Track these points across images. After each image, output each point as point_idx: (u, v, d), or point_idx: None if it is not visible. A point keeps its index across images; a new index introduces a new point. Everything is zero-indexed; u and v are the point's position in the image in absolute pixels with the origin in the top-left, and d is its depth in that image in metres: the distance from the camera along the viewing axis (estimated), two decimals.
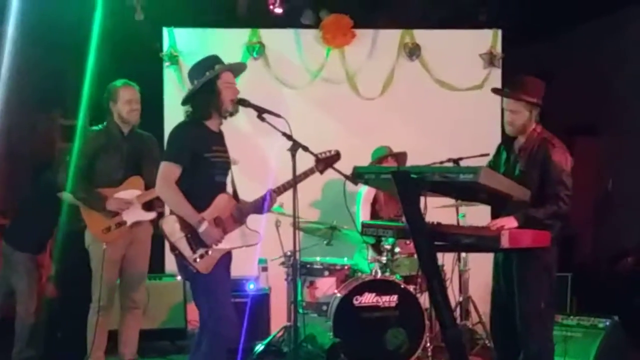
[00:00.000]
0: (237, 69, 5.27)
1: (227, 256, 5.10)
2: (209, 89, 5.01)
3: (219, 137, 5.17)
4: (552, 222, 4.94)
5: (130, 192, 6.07)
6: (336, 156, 5.30)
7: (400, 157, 7.34)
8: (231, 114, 5.14)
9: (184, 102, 5.14)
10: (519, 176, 5.05)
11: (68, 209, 6.41)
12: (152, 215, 6.19)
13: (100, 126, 6.18)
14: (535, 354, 5.02)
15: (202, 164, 4.94)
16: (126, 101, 6.08)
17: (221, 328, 4.92)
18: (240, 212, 5.11)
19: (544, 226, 4.86)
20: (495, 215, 5.17)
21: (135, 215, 6.09)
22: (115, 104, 6.09)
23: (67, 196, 6.21)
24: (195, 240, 4.90)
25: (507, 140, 5.35)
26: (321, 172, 5.28)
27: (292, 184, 5.10)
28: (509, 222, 4.81)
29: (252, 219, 5.22)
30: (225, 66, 5.10)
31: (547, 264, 5.03)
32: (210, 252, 4.93)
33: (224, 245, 5.00)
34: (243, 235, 5.13)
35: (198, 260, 4.90)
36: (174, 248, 4.93)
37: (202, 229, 4.87)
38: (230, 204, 5.09)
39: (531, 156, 5.09)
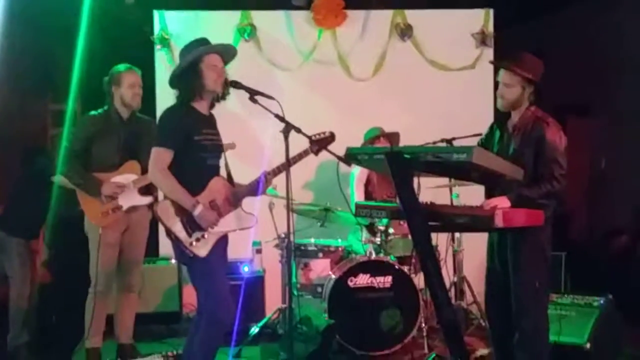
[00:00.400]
0: (225, 51, 5.19)
1: (223, 239, 5.10)
2: (192, 71, 4.99)
3: (209, 119, 5.15)
4: (546, 201, 4.94)
5: (126, 177, 6.06)
6: (330, 137, 5.28)
7: (393, 137, 7.33)
8: (222, 97, 5.15)
9: (170, 84, 5.12)
10: (512, 155, 5.05)
11: (62, 194, 6.39)
12: (148, 199, 6.18)
13: (100, 110, 6.16)
14: (530, 333, 5.03)
15: (193, 147, 4.93)
16: (130, 85, 6.08)
17: (217, 311, 4.92)
18: (235, 195, 5.10)
19: (538, 205, 4.86)
20: (489, 194, 5.17)
21: (131, 199, 6.08)
22: (118, 88, 6.08)
23: (59, 179, 6.21)
24: (190, 224, 4.90)
25: (500, 119, 5.34)
26: (316, 153, 5.26)
27: (286, 165, 5.08)
28: (502, 202, 4.80)
29: (246, 202, 5.21)
30: (208, 48, 5.07)
31: (542, 243, 5.03)
32: (206, 236, 4.93)
33: (219, 228, 5.00)
34: (238, 218, 5.13)
35: (194, 243, 4.90)
36: (169, 233, 4.93)
37: (197, 212, 4.86)
38: (224, 187, 5.09)
39: (525, 135, 5.07)
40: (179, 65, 5.06)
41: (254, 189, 5.15)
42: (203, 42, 5.09)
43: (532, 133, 5.04)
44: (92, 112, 6.18)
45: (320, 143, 5.24)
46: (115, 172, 6.05)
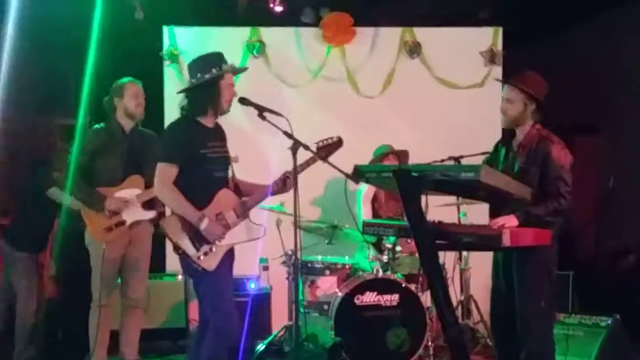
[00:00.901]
0: (239, 71, 5.26)
1: (230, 254, 5.10)
2: (211, 87, 5.00)
3: (215, 132, 5.16)
4: (553, 219, 4.93)
5: (129, 192, 6.06)
6: (338, 142, 5.22)
7: (402, 155, 7.33)
8: (223, 113, 5.14)
9: (184, 93, 5.12)
10: (518, 173, 5.05)
11: (68, 208, 6.40)
12: (151, 214, 6.17)
13: (102, 124, 6.18)
14: (536, 353, 5.01)
15: (199, 160, 4.94)
16: (132, 95, 6.10)
17: (224, 325, 4.93)
18: (243, 207, 5.09)
19: (545, 223, 4.86)
20: (493, 213, 5.18)
21: (134, 214, 6.08)
22: (121, 99, 6.09)
23: (54, 192, 6.22)
24: (198, 238, 4.91)
25: (505, 138, 5.36)
26: (324, 159, 5.21)
27: (294, 182, 5.06)
28: (510, 221, 4.80)
29: (254, 216, 5.21)
30: (230, 68, 5.10)
31: (547, 262, 5.03)
32: (214, 249, 4.94)
33: (228, 240, 5.00)
34: (247, 230, 5.13)
35: (202, 257, 4.90)
36: (177, 248, 4.93)
37: (203, 226, 4.87)
38: (232, 199, 5.09)
39: (530, 153, 5.09)
40: (199, 78, 5.01)
41: (261, 198, 5.15)
42: (220, 58, 5.10)
43: (538, 151, 5.06)
44: (95, 126, 6.19)
45: (328, 149, 5.19)
46: (118, 186, 6.05)
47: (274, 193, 5.20)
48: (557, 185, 4.94)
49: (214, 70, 4.98)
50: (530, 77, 5.26)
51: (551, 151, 5.00)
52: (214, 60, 5.07)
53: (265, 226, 5.31)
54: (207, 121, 5.08)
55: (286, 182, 5.16)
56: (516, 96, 5.14)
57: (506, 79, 5.50)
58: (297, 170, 5.04)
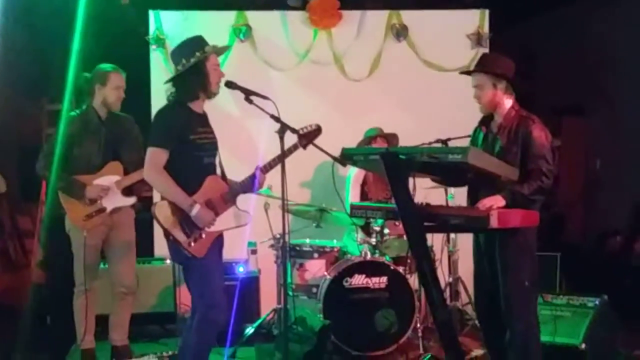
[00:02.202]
0: (221, 51, 5.25)
1: (219, 240, 5.11)
2: (198, 71, 4.98)
3: (204, 118, 5.15)
4: (536, 197, 4.95)
5: (109, 178, 6.04)
6: (317, 130, 5.27)
7: (391, 138, 7.33)
8: (214, 95, 5.14)
9: (171, 82, 5.10)
10: (499, 153, 5.07)
11: (54, 194, 6.38)
12: (131, 200, 6.16)
13: (78, 111, 6.14)
14: (521, 333, 5.05)
15: (189, 146, 4.93)
16: (116, 87, 6.06)
17: (211, 311, 4.93)
18: (231, 193, 5.11)
19: (529, 202, 4.87)
20: (471, 195, 5.22)
21: (115, 201, 6.06)
22: (103, 87, 6.05)
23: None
24: (188, 224, 4.90)
25: (483, 122, 5.37)
26: (304, 147, 5.24)
27: (280, 163, 5.07)
28: (497, 201, 4.82)
29: (241, 201, 5.21)
30: (213, 48, 5.07)
31: (529, 242, 5.06)
32: (203, 235, 4.93)
33: (216, 227, 5.00)
34: (234, 216, 5.13)
35: (192, 244, 4.90)
36: (167, 234, 4.92)
37: (194, 212, 4.86)
38: (220, 185, 5.09)
39: (511, 133, 5.11)
40: (184, 64, 4.99)
41: (248, 186, 5.16)
42: (202, 41, 5.08)
43: (518, 131, 5.08)
44: (71, 113, 6.15)
45: (308, 136, 5.23)
46: (97, 173, 6.03)
47: (260, 183, 5.20)
48: (539, 163, 4.95)
49: (197, 54, 4.96)
50: (490, 58, 5.40)
51: (532, 130, 5.02)
52: (196, 43, 5.05)
53: (252, 211, 5.31)
54: (197, 106, 5.08)
55: (268, 170, 5.18)
56: (482, 79, 5.18)
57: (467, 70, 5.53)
58: (283, 154, 5.05)
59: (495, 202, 4.79)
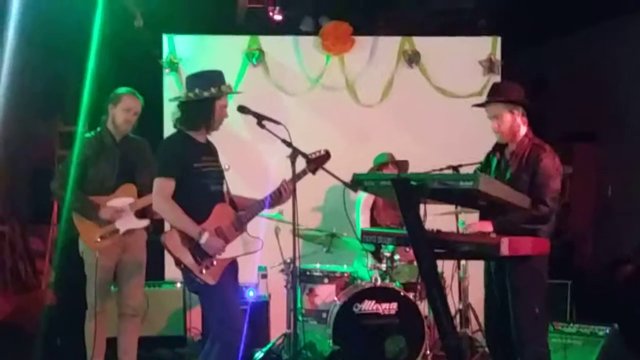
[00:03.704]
0: (235, 93, 5.37)
1: (233, 265, 5.13)
2: (207, 105, 5.02)
3: (207, 147, 5.18)
4: (533, 226, 4.94)
5: (123, 200, 6.05)
6: (326, 155, 5.30)
7: (402, 165, 7.33)
8: (213, 130, 5.18)
9: (179, 104, 5.13)
10: (509, 180, 5.08)
11: (67, 216, 6.40)
12: (145, 222, 6.17)
13: (92, 133, 6.18)
14: None
15: (194, 174, 4.95)
16: (125, 109, 6.07)
17: (230, 337, 4.93)
18: (240, 220, 5.11)
19: (526, 231, 4.86)
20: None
21: (128, 223, 6.07)
22: (113, 107, 6.08)
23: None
24: (198, 252, 4.90)
25: (496, 148, 5.38)
26: (313, 172, 5.27)
27: (292, 192, 5.08)
28: (485, 227, 4.87)
29: (252, 227, 5.22)
30: (229, 90, 5.11)
31: (540, 270, 5.05)
32: (214, 263, 4.93)
33: (227, 254, 5.00)
34: (245, 243, 5.14)
35: (204, 271, 4.91)
36: (179, 262, 4.93)
37: (203, 240, 4.87)
38: (229, 212, 5.10)
39: (522, 160, 5.12)
40: (197, 94, 5.01)
41: (258, 211, 5.17)
42: (221, 78, 5.10)
43: (529, 159, 5.10)
44: (86, 134, 6.18)
45: (317, 162, 5.26)
46: (111, 195, 6.05)
47: (271, 205, 5.22)
48: (539, 192, 4.96)
49: (212, 90, 4.99)
50: (502, 86, 5.42)
51: (542, 159, 5.03)
52: (215, 79, 5.07)
53: (263, 238, 5.32)
54: (200, 136, 5.12)
55: (282, 194, 5.19)
56: (498, 109, 5.20)
57: (479, 104, 5.52)
58: (294, 179, 5.07)
59: (483, 227, 4.85)
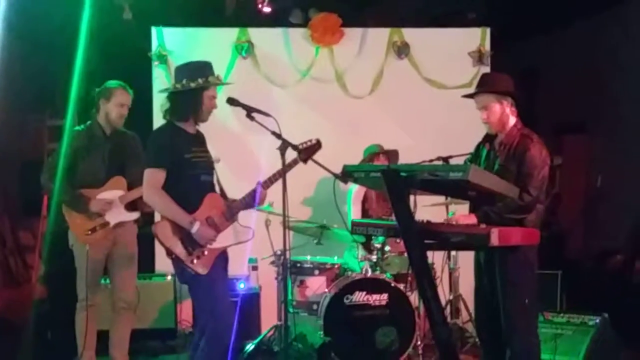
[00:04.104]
0: (223, 84, 5.35)
1: (223, 256, 5.13)
2: (194, 96, 5.03)
3: (197, 138, 5.19)
4: (518, 216, 4.95)
5: (112, 193, 6.05)
6: (317, 145, 5.32)
7: (392, 154, 7.34)
8: (202, 122, 5.19)
9: (168, 95, 5.14)
10: (498, 171, 5.07)
11: (56, 209, 6.39)
12: (135, 215, 6.17)
13: (82, 126, 6.17)
14: (522, 351, 5.05)
15: (185, 165, 4.96)
16: (118, 103, 6.08)
17: (218, 329, 4.93)
18: (231, 210, 5.12)
19: (507, 220, 4.87)
20: (474, 212, 5.21)
21: (118, 216, 6.07)
22: (106, 103, 6.08)
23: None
24: (189, 242, 4.91)
25: (486, 139, 5.38)
26: (304, 161, 5.27)
27: (280, 179, 5.09)
28: (469, 219, 4.91)
29: (243, 217, 5.22)
30: (216, 80, 5.11)
31: (529, 260, 5.05)
32: (205, 252, 4.94)
33: (218, 244, 5.01)
34: (236, 233, 5.15)
35: (195, 261, 4.91)
36: (170, 252, 4.94)
37: (194, 229, 4.87)
38: (220, 202, 5.11)
39: (510, 151, 5.13)
40: (184, 85, 5.03)
41: (249, 202, 5.17)
42: (209, 69, 5.11)
43: (517, 149, 5.10)
44: (76, 128, 6.19)
45: (307, 151, 5.26)
46: (101, 188, 6.04)
47: (261, 199, 5.21)
48: (524, 181, 4.96)
49: (200, 80, 5.00)
50: (491, 77, 5.48)
51: (529, 149, 5.03)
52: (203, 69, 5.08)
53: (254, 228, 5.33)
54: (189, 127, 5.12)
55: (267, 185, 5.21)
56: (487, 100, 5.20)
57: (468, 95, 5.53)
58: (284, 171, 5.07)
59: (466, 219, 4.89)
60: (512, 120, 5.20)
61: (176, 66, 5.28)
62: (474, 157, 5.47)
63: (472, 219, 4.88)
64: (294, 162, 5.25)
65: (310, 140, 5.32)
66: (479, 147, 5.47)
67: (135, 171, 5.86)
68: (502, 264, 5.04)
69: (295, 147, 5.13)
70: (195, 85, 4.99)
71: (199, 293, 5.07)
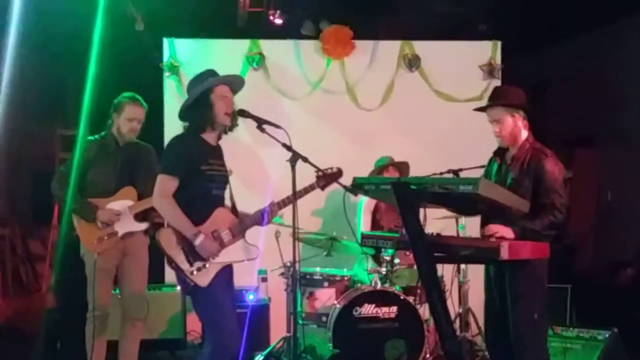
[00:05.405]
0: (234, 82, 5.21)
1: (227, 269, 5.07)
2: (203, 102, 4.99)
3: (216, 150, 5.15)
4: (551, 232, 4.95)
5: (122, 203, 6.05)
6: (338, 173, 5.30)
7: (403, 167, 7.34)
8: (230, 128, 5.15)
9: (180, 116, 5.13)
10: (511, 185, 5.06)
11: (68, 218, 6.40)
12: (144, 225, 6.15)
13: (96, 136, 6.19)
14: None
15: (199, 176, 4.93)
16: (128, 119, 6.07)
17: (222, 339, 4.89)
18: (239, 226, 5.07)
19: (541, 237, 4.87)
20: (484, 226, 5.16)
21: (127, 226, 6.06)
22: (117, 117, 6.09)
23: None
24: (191, 253, 4.87)
25: (498, 153, 5.37)
26: (322, 188, 5.27)
27: (292, 198, 5.09)
28: (507, 233, 4.81)
29: (251, 231, 5.21)
30: (218, 79, 5.08)
31: (540, 274, 5.04)
32: (207, 266, 4.90)
33: (222, 258, 4.96)
34: (242, 249, 5.09)
35: (195, 273, 4.86)
36: (170, 261, 4.91)
37: (197, 242, 4.84)
38: (228, 217, 5.07)
39: (523, 165, 5.11)
40: (189, 97, 5.04)
41: (258, 220, 5.15)
42: (212, 73, 5.09)
43: (531, 163, 5.08)
44: (89, 137, 6.19)
45: (327, 178, 5.25)
46: (111, 197, 6.05)
47: (269, 219, 5.19)
48: (552, 198, 4.95)
49: (200, 87, 5.00)
50: (503, 90, 5.43)
51: (545, 164, 5.02)
52: (203, 75, 5.08)
53: (262, 239, 5.32)
54: (210, 138, 5.08)
55: (272, 210, 5.17)
56: (499, 113, 5.19)
57: (480, 108, 5.52)
58: (295, 184, 5.07)
59: (505, 232, 4.80)
60: (524, 134, 5.19)
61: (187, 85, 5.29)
62: (486, 171, 5.46)
63: (509, 233, 4.84)
64: (311, 188, 5.23)
65: (332, 168, 5.30)
66: (490, 161, 5.46)
67: (147, 182, 5.86)
68: (512, 277, 5.02)
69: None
70: (198, 92, 4.98)
71: (200, 305, 5.03)
